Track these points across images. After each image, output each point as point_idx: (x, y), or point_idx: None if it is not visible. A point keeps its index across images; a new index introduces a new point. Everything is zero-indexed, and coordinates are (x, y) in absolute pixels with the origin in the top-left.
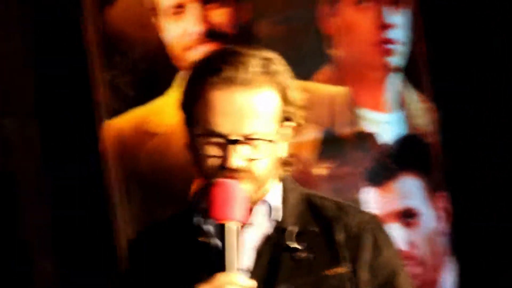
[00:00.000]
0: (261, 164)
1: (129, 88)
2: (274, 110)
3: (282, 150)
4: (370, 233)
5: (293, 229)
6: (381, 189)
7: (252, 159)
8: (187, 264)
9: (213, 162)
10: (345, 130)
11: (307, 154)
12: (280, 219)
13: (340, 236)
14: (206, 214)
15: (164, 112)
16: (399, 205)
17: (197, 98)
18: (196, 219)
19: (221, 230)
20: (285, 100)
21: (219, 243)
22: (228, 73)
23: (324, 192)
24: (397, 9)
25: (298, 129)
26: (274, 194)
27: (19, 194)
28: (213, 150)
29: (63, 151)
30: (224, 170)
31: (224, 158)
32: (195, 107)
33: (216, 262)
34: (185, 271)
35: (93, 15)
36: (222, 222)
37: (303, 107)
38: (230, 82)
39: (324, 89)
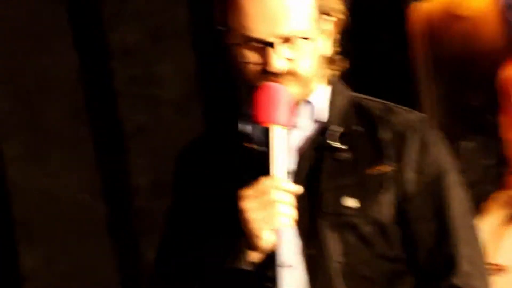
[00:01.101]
0: (304, 63)
1: None
2: (309, 6)
3: (325, 48)
4: (417, 131)
5: (337, 129)
6: None
7: (294, 60)
8: (233, 170)
9: (254, 68)
10: None
11: None
12: (325, 120)
13: (385, 135)
14: (252, 119)
15: None
16: None
17: (230, 6)
18: (241, 126)
19: (266, 134)
20: None
21: (264, 147)
22: None
23: None
24: None
25: (339, 24)
26: (320, 95)
27: None
28: (253, 56)
29: (371, 30)
30: (267, 74)
31: (265, 62)
32: (229, 16)
33: (261, 166)
34: (231, 177)
35: None
36: (266, 125)
37: (341, 1)
38: None
39: None
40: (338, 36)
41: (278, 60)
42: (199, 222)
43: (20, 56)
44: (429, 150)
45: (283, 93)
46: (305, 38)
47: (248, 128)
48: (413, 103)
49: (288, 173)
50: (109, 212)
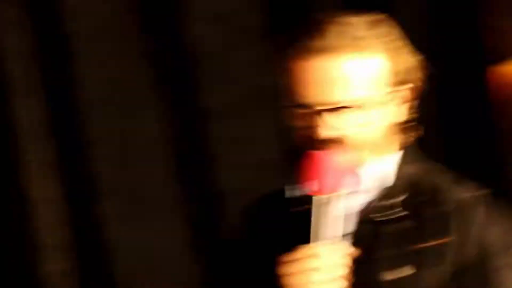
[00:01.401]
0: (356, 131)
1: None
2: (373, 74)
3: (397, 114)
4: (481, 208)
5: (401, 197)
6: None
7: (344, 128)
8: (284, 234)
9: (304, 133)
10: None
11: None
12: (388, 186)
13: (449, 208)
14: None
15: None
16: None
17: (285, 70)
18: (291, 191)
19: (310, 202)
20: (393, 62)
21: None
22: (311, 42)
23: None
24: None
25: (416, 91)
26: (389, 161)
27: None
28: (303, 122)
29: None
30: (315, 141)
31: (313, 129)
32: (284, 80)
33: (306, 233)
34: (282, 241)
35: None
36: (311, 194)
37: (417, 68)
38: (313, 51)
39: None
40: (415, 103)
41: (324, 128)
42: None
43: (115, 119)
44: (490, 228)
45: (328, 161)
46: (357, 107)
47: (298, 193)
48: (499, 167)
49: (344, 236)
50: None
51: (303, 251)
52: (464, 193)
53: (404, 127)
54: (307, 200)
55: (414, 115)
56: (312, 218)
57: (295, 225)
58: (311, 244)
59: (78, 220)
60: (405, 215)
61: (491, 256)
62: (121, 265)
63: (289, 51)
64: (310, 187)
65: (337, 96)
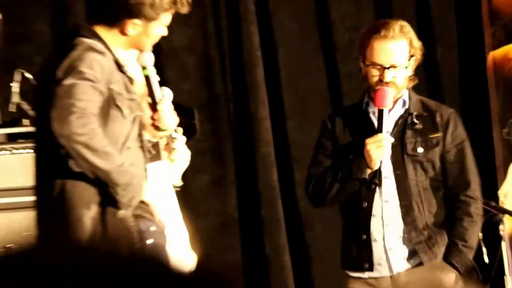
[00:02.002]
0: (400, 79)
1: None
2: (406, 51)
3: (411, 71)
4: (453, 119)
5: (415, 113)
6: None
7: (395, 76)
8: (361, 131)
9: (375, 79)
10: None
11: None
12: (407, 107)
13: (438, 119)
14: (371, 104)
15: None
16: None
17: (368, 46)
18: (365, 106)
19: (379, 112)
20: (411, 46)
21: (376, 119)
22: (384, 33)
23: None
24: None
25: (418, 60)
26: (406, 95)
27: None
28: (375, 73)
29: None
30: (381, 83)
31: (382, 76)
32: (366, 51)
33: (376, 128)
34: (359, 135)
35: None
36: (380, 108)
37: (420, 49)
38: (385, 37)
39: None
40: (416, 66)
41: (388, 76)
42: (339, 157)
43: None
44: (458, 128)
45: (389, 92)
46: (403, 67)
47: (371, 109)
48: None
49: (388, 132)
50: None
51: (379, 136)
52: (443, 111)
53: (412, 77)
54: (377, 111)
55: (415, 72)
56: (379, 120)
57: (368, 125)
58: (381, 134)
59: None
60: (417, 122)
61: (461, 142)
62: None
63: (372, 37)
64: (380, 104)
65: (395, 60)
